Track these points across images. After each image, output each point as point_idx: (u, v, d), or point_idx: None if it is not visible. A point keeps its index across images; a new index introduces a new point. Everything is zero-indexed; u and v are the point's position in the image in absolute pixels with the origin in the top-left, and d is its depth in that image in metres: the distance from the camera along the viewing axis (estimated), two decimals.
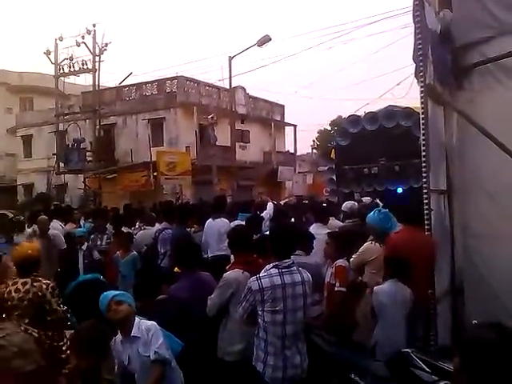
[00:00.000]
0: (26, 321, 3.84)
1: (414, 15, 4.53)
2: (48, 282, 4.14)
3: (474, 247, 4.22)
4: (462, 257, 4.34)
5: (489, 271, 4.06)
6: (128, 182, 22.38)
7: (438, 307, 4.40)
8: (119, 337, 3.31)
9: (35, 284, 4.01)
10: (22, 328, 3.58)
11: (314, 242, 5.00)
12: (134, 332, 3.23)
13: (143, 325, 3.26)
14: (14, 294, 3.94)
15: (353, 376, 3.54)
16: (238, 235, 4.11)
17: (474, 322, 3.05)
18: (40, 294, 3.98)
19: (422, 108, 4.50)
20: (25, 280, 4.01)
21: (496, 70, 4.06)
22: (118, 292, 3.47)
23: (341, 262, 4.57)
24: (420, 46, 4.40)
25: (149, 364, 3.16)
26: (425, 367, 3.28)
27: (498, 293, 3.95)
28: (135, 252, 6.60)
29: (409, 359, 3.41)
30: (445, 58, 4.26)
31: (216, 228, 6.66)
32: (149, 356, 3.14)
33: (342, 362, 3.72)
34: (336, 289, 4.37)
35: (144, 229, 8.08)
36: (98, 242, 8.00)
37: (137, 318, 3.31)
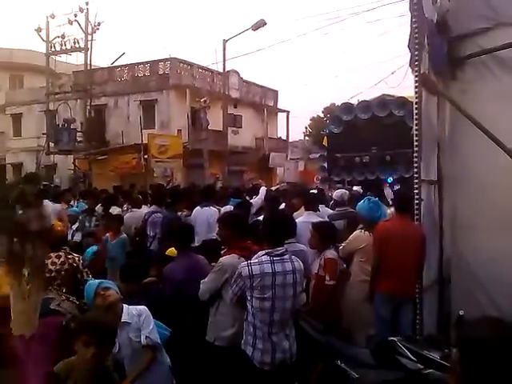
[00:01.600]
0: (64, 290, 4.25)
1: (411, 3, 4.49)
2: (77, 254, 4.71)
3: (463, 238, 4.25)
4: (450, 247, 4.38)
5: (477, 263, 4.09)
6: (118, 163, 22.20)
7: (424, 296, 4.45)
8: None
9: (69, 257, 4.51)
10: (64, 297, 3.99)
11: (305, 229, 5.01)
12: (124, 318, 3.22)
13: (133, 310, 3.26)
14: (50, 266, 4.34)
15: (339, 363, 3.57)
16: (235, 220, 4.10)
17: (461, 312, 3.08)
18: (75, 264, 4.50)
19: (416, 97, 4.49)
20: (58, 253, 4.47)
21: (490, 61, 4.05)
22: (102, 280, 3.51)
23: (330, 254, 4.55)
24: (416, 35, 4.38)
25: (140, 349, 3.16)
26: (410, 356, 3.32)
27: (485, 284, 3.99)
28: (125, 234, 6.58)
29: (395, 347, 3.45)
30: (440, 48, 4.23)
31: (205, 216, 6.62)
32: (140, 341, 3.14)
33: (328, 349, 3.75)
34: (326, 282, 4.39)
35: (131, 211, 8.04)
36: (87, 224, 7.97)
37: (124, 305, 3.31)
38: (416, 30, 4.37)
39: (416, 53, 4.39)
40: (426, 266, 4.50)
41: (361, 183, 13.94)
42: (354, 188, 12.33)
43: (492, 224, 4.01)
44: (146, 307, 3.31)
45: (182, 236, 4.34)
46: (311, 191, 9.73)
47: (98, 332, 2.64)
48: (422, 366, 3.22)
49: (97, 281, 3.44)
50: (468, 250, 4.19)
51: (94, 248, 6.20)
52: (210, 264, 4.02)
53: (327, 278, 4.40)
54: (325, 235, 4.66)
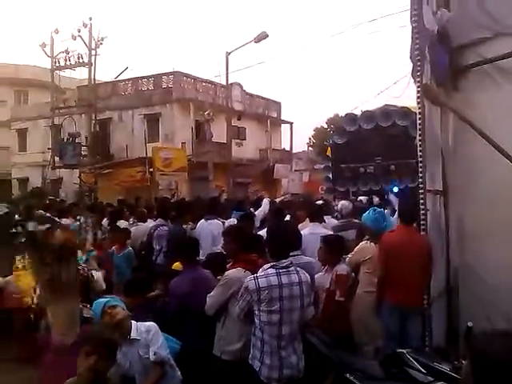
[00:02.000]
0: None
1: (411, 15, 4.53)
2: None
3: (470, 248, 4.23)
4: (457, 257, 4.35)
5: (484, 273, 4.06)
6: (123, 177, 22.27)
7: (432, 307, 4.41)
8: None
9: (79, 267, 4.49)
10: (82, 305, 4.05)
11: (311, 240, 5.00)
12: (133, 335, 3.25)
13: (142, 326, 3.29)
14: None
15: (348, 376, 3.54)
16: (240, 233, 4.09)
17: (470, 324, 3.06)
18: (85, 274, 4.80)
19: (419, 108, 4.51)
20: None
21: (492, 71, 4.06)
22: (109, 298, 3.53)
23: (342, 269, 4.50)
24: (417, 46, 4.41)
25: (150, 365, 3.18)
26: (420, 367, 3.29)
27: (494, 295, 3.96)
28: (131, 248, 6.61)
29: (404, 359, 3.42)
30: (442, 58, 4.25)
31: (209, 230, 6.61)
32: (149, 357, 3.16)
33: (337, 362, 3.72)
34: (336, 298, 4.36)
35: (137, 225, 8.06)
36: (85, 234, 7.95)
37: (133, 322, 3.33)
38: (417, 41, 4.40)
39: (418, 63, 4.42)
40: (433, 277, 4.47)
41: (366, 193, 13.91)
42: (359, 198, 12.31)
43: (499, 233, 3.99)
44: (154, 323, 3.32)
45: (187, 250, 4.34)
46: (317, 202, 9.73)
47: (100, 343, 2.70)
48: (432, 379, 3.18)
49: (104, 299, 3.46)
50: (475, 260, 4.17)
51: None
52: (215, 278, 4.01)
53: (338, 293, 4.37)
54: (334, 248, 4.62)
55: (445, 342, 4.20)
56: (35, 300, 4.47)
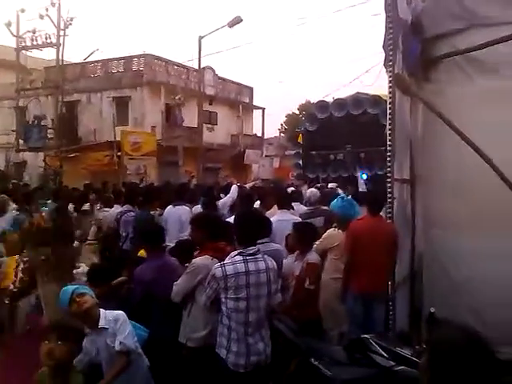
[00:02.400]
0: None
1: (385, 3, 4.52)
2: None
3: (434, 236, 4.31)
4: (421, 244, 4.44)
5: (447, 259, 4.16)
6: (91, 161, 21.80)
7: (396, 293, 4.50)
8: (85, 329, 3.28)
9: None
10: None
11: (279, 228, 5.00)
12: (102, 323, 3.20)
13: (110, 315, 3.24)
14: None
15: (313, 361, 3.57)
16: (208, 220, 4.04)
17: (432, 309, 3.13)
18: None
19: (390, 97, 4.53)
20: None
21: (464, 62, 4.09)
22: (77, 285, 3.42)
23: (313, 258, 4.51)
24: (390, 36, 4.41)
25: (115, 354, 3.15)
26: (382, 352, 3.35)
27: (456, 281, 4.06)
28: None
29: (367, 345, 3.48)
30: (414, 48, 4.27)
31: (177, 216, 6.55)
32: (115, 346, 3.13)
33: (302, 348, 3.75)
34: (306, 286, 4.36)
35: (103, 210, 7.91)
36: None
37: (101, 310, 3.28)
38: (390, 31, 4.40)
39: (390, 53, 4.43)
40: (397, 263, 4.55)
41: (335, 180, 14.07)
42: (330, 185, 12.42)
43: (463, 222, 4.07)
44: (123, 312, 3.28)
45: (151, 237, 4.27)
46: (288, 189, 9.76)
47: (62, 331, 2.78)
48: (393, 363, 3.25)
49: (72, 286, 3.36)
50: (439, 247, 4.26)
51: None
52: (183, 265, 3.96)
53: (307, 281, 4.39)
54: (305, 236, 4.63)
55: (408, 326, 4.29)
56: (17, 284, 4.39)
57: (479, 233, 3.96)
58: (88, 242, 6.50)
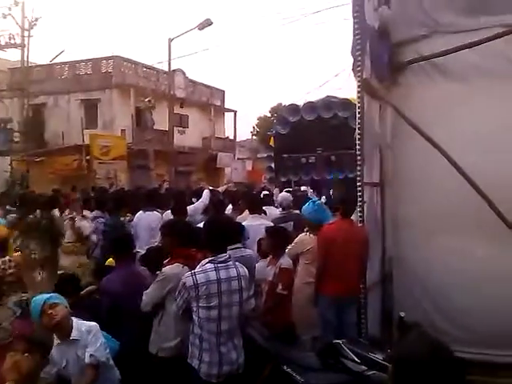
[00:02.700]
0: None
1: (353, 9, 4.57)
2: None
3: (404, 238, 4.37)
4: (392, 248, 4.49)
5: (417, 261, 4.22)
6: (58, 165, 21.28)
7: (368, 297, 4.53)
8: (55, 339, 3.17)
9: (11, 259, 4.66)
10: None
11: (250, 233, 4.98)
12: (74, 335, 3.10)
13: (83, 326, 3.14)
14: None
15: (285, 368, 3.56)
16: (178, 227, 3.97)
17: (402, 314, 3.15)
18: (19, 268, 4.63)
19: (359, 102, 4.57)
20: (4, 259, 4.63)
21: (429, 67, 4.18)
22: (48, 295, 3.27)
23: (286, 263, 4.47)
24: (358, 41, 4.46)
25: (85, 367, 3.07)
26: (354, 358, 3.36)
27: (425, 283, 4.12)
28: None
29: (339, 350, 3.49)
30: (382, 54, 4.32)
31: (147, 221, 6.43)
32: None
33: (274, 355, 3.73)
34: (278, 291, 4.33)
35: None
36: None
37: (74, 319, 3.19)
38: (358, 36, 4.45)
39: (358, 58, 4.47)
40: (369, 267, 4.59)
41: (307, 183, 14.16)
42: (302, 188, 12.49)
43: (431, 224, 4.14)
44: (96, 324, 3.19)
45: (120, 246, 4.18)
46: (262, 193, 9.76)
47: (28, 344, 2.76)
48: (365, 368, 3.27)
49: (44, 296, 3.22)
50: (409, 249, 4.31)
51: None
52: (154, 273, 3.87)
53: (280, 286, 4.35)
54: (278, 241, 4.60)
55: (380, 331, 4.33)
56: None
57: (447, 235, 4.03)
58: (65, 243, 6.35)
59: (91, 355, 3.03)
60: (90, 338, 3.08)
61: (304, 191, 11.96)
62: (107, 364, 3.16)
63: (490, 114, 3.90)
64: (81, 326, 3.14)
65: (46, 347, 2.92)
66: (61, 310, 3.12)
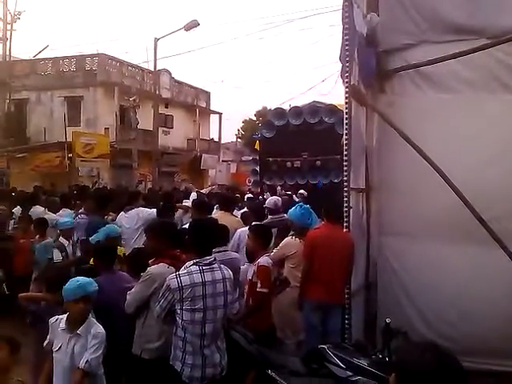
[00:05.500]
0: None
1: (343, 16, 4.59)
2: None
3: (389, 244, 4.41)
4: (376, 254, 4.52)
5: (401, 268, 4.26)
6: (40, 162, 20.91)
7: (352, 302, 4.55)
8: (63, 322, 3.24)
9: None
10: None
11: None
12: (81, 330, 3.17)
13: (94, 329, 3.20)
14: None
15: (269, 372, 3.55)
16: (164, 228, 3.94)
17: (387, 320, 3.17)
18: None
19: (346, 108, 4.60)
20: None
21: (416, 75, 4.24)
22: (93, 287, 3.34)
23: (264, 261, 4.44)
24: (347, 47, 4.48)
25: (75, 366, 3.10)
26: (339, 363, 3.37)
27: (409, 289, 4.16)
28: (50, 238, 6.34)
29: (324, 355, 3.48)
30: (369, 61, 4.36)
31: (129, 222, 6.38)
32: (80, 359, 3.10)
33: (259, 359, 3.71)
34: (258, 289, 4.31)
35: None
36: None
37: (92, 319, 3.26)
38: (347, 43, 4.48)
39: (347, 64, 4.50)
40: (354, 273, 4.61)
41: (292, 188, 14.20)
42: (300, 191, 12.59)
43: (416, 231, 4.19)
44: (105, 333, 3.22)
45: (104, 255, 4.18)
46: (246, 196, 9.78)
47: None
48: (350, 373, 3.27)
49: (92, 284, 3.31)
50: (393, 255, 4.35)
51: None
52: (138, 275, 3.81)
53: (259, 285, 4.34)
54: (258, 239, 4.57)
55: (364, 336, 4.35)
56: None
57: (431, 241, 4.08)
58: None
59: (87, 361, 3.08)
60: (93, 341, 3.14)
61: (302, 194, 12.12)
62: (98, 374, 3.22)
63: (474, 122, 3.97)
64: (91, 326, 3.22)
65: (14, 344, 2.87)
66: (87, 308, 3.25)
